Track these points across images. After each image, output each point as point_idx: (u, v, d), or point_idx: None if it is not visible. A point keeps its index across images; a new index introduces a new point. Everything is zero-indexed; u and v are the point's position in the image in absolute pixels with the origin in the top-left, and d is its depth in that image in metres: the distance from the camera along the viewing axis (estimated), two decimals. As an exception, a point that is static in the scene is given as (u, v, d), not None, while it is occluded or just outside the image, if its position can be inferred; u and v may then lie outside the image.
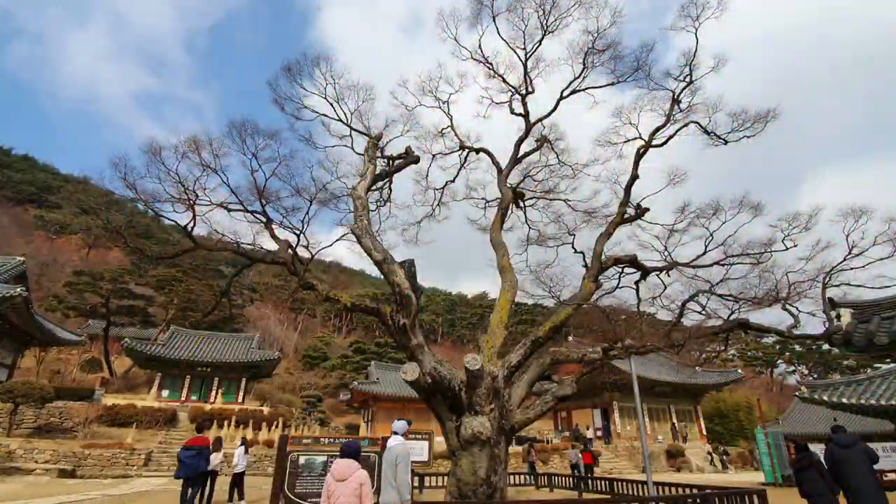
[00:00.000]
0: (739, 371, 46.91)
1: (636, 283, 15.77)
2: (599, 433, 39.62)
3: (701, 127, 15.68)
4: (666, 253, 15.38)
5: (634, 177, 15.84)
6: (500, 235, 16.35)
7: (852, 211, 13.06)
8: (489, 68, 17.64)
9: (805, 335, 13.00)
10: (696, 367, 43.32)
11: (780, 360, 79.88)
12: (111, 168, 12.46)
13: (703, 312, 13.99)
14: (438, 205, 19.33)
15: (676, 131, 15.93)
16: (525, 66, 17.08)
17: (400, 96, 22.66)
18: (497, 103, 18.44)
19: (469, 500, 10.43)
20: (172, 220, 13.29)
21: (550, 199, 18.60)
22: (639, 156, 15.85)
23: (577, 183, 18.67)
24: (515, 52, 17.06)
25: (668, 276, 15.44)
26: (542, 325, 13.76)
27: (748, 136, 15.01)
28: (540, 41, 16.74)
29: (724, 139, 15.38)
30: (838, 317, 12.54)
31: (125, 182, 12.38)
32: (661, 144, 16.05)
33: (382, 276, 11.70)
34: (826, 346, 73.55)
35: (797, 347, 76.13)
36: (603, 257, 15.21)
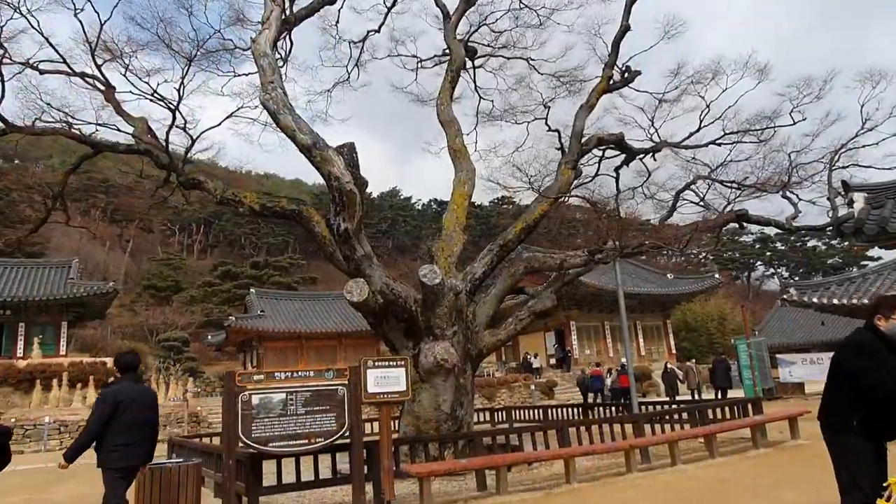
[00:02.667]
0: (717, 276, 41.12)
1: (616, 169, 13.50)
2: (553, 360, 35.69)
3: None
4: (653, 129, 13.33)
5: (625, 28, 13.33)
6: (450, 108, 13.43)
7: (871, 76, 11.26)
8: None
9: (809, 227, 11.80)
10: (669, 274, 39.92)
11: (758, 263, 76.19)
12: None
13: (702, 203, 12.24)
14: (356, 66, 15.63)
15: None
16: None
17: None
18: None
19: (433, 435, 9.15)
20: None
21: (508, 58, 15.39)
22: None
23: (544, 35, 15.56)
24: None
25: (655, 159, 13.39)
26: (513, 226, 12.00)
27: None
28: None
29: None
30: (851, 202, 11.12)
31: None
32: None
33: (314, 167, 8.91)
34: (811, 244, 71.94)
35: (779, 246, 73.42)
36: (584, 137, 13.00)
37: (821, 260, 71.28)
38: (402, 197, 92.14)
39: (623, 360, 35.92)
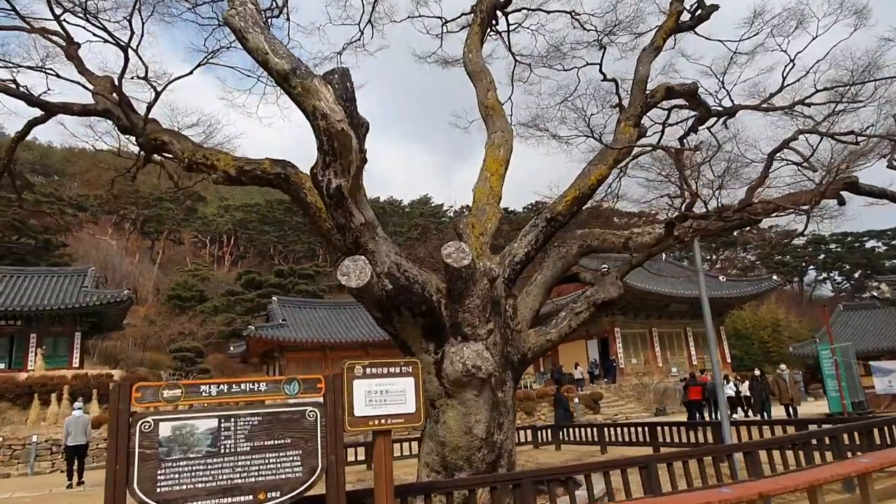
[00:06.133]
0: (775, 278, 38.88)
1: (681, 139, 11.17)
2: (596, 369, 32.70)
3: None
4: (723, 92, 11.16)
5: None
6: (479, 56, 11.33)
7: None
8: None
9: None
10: (721, 277, 37.95)
11: (811, 267, 71.22)
12: None
13: (805, 164, 9.49)
14: (368, 23, 12.98)
15: None
16: None
17: None
18: None
19: (466, 478, 6.75)
20: None
21: (549, 12, 13.25)
22: None
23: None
24: None
25: (727, 126, 11.28)
26: (562, 195, 9.65)
27: None
28: None
29: None
30: None
31: None
32: None
33: (294, 103, 6.34)
34: (870, 244, 67.06)
35: (833, 248, 68.74)
36: (648, 87, 10.63)
37: (880, 262, 66.13)
38: (433, 204, 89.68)
39: (674, 369, 33.59)
